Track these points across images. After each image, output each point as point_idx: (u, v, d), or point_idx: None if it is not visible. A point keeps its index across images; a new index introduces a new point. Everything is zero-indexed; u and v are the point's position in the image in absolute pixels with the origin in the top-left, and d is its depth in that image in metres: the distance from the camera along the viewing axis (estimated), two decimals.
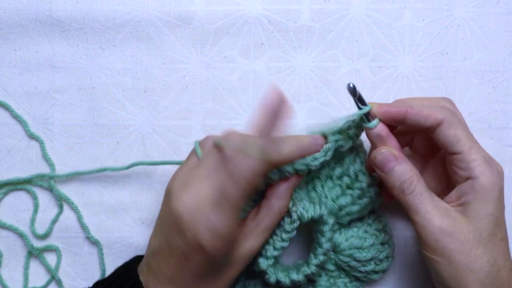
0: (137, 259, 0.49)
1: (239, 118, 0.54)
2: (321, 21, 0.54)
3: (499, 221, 0.43)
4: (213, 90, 0.54)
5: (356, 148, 0.50)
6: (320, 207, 0.47)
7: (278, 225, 0.47)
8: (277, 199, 0.46)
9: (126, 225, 0.55)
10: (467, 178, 0.43)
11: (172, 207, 0.43)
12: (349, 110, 0.54)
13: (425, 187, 0.44)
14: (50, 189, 0.54)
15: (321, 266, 0.50)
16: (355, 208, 0.49)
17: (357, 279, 0.52)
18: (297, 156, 0.46)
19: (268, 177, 0.46)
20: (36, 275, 0.55)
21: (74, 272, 0.55)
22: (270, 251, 0.47)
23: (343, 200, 0.49)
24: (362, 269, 0.50)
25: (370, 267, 0.50)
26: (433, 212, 0.43)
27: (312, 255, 0.48)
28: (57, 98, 0.54)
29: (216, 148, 0.44)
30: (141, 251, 0.54)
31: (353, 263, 0.50)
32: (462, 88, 0.55)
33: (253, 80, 0.54)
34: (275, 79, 0.54)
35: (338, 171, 0.50)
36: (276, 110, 0.41)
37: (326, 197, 0.49)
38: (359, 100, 0.45)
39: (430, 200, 0.44)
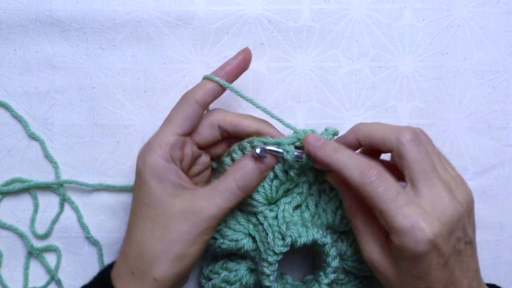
0: (111, 266, 0.48)
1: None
2: (321, 21, 0.54)
3: (422, 276, 0.41)
4: None
5: None
6: (313, 230, 0.47)
7: (266, 246, 0.47)
8: (235, 168, 0.47)
9: (126, 225, 0.54)
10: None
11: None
12: (349, 110, 0.54)
13: (364, 219, 0.45)
14: (52, 189, 0.54)
15: (333, 283, 0.49)
16: None
17: (365, 277, 0.52)
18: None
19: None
20: (36, 275, 0.55)
21: (74, 272, 0.55)
22: (266, 270, 0.47)
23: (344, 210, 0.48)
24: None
25: None
26: (366, 245, 0.45)
27: (322, 274, 0.48)
28: (57, 98, 0.54)
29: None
30: None
31: (362, 266, 0.50)
32: (462, 88, 0.55)
33: (253, 80, 0.54)
34: (275, 79, 0.54)
35: (328, 182, 0.49)
36: None
37: (324, 210, 0.49)
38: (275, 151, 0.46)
39: (365, 234, 0.45)
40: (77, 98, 0.54)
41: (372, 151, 0.48)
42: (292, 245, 0.46)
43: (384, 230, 0.45)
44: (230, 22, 0.54)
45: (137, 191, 0.46)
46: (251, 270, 0.50)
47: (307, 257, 0.54)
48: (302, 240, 0.46)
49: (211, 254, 0.52)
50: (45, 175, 0.54)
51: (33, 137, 0.54)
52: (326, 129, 0.47)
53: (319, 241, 0.47)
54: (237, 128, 0.48)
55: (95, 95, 0.54)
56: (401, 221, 0.40)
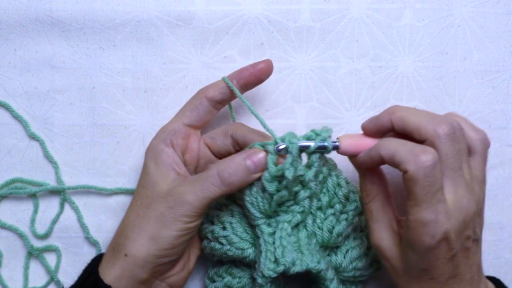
0: (97, 260, 0.49)
1: (238, 118, 0.54)
2: (321, 21, 0.54)
3: (428, 269, 0.42)
4: None
5: (333, 170, 0.48)
6: (308, 258, 0.45)
7: (258, 265, 0.46)
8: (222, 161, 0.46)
9: None
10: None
11: None
12: (349, 110, 0.54)
13: (381, 204, 0.45)
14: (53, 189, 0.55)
15: None
16: (349, 229, 0.49)
17: (360, 281, 0.52)
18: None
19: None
20: (36, 275, 0.55)
21: (74, 272, 0.55)
22: None
23: (339, 228, 0.48)
24: (366, 273, 0.50)
25: (374, 267, 0.50)
26: (376, 231, 0.45)
27: None
28: (57, 98, 0.54)
29: None
30: None
31: (358, 273, 0.49)
32: (462, 88, 0.55)
33: None
34: (275, 79, 0.54)
35: (325, 200, 0.48)
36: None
37: (319, 228, 0.48)
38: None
39: (378, 219, 0.45)
40: (77, 98, 0.54)
41: (402, 137, 0.46)
42: (284, 271, 0.45)
43: (397, 220, 0.45)
44: (230, 22, 0.54)
45: (140, 174, 0.49)
46: (255, 280, 0.49)
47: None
48: (296, 268, 0.45)
49: (218, 260, 0.51)
50: (45, 175, 0.54)
51: (33, 137, 0.54)
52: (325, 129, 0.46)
53: (313, 270, 0.45)
54: (244, 141, 0.48)
55: (95, 95, 0.54)
56: (424, 214, 0.40)
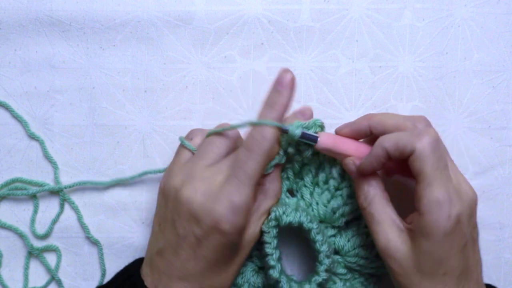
0: (139, 262, 0.49)
1: (239, 118, 0.54)
2: (321, 21, 0.54)
3: (442, 259, 0.42)
4: (213, 90, 0.54)
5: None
6: (302, 215, 0.47)
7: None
8: (270, 183, 0.48)
9: (126, 225, 0.55)
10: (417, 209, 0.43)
11: (181, 199, 0.44)
12: (349, 110, 0.54)
13: (381, 205, 0.45)
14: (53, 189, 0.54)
15: (332, 271, 0.49)
16: (347, 208, 0.49)
17: (372, 275, 0.51)
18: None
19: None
20: (36, 275, 0.55)
21: (74, 272, 0.55)
22: (270, 261, 0.47)
23: (335, 203, 0.49)
24: (372, 265, 0.50)
25: (381, 261, 0.50)
26: (381, 233, 0.44)
27: (317, 264, 0.48)
28: (57, 98, 0.54)
29: (212, 136, 0.47)
30: (141, 251, 0.54)
31: (362, 261, 0.50)
32: (462, 88, 0.55)
33: (253, 80, 0.54)
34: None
35: (322, 176, 0.50)
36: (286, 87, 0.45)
37: (317, 203, 0.50)
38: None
39: (381, 221, 0.44)
40: (77, 98, 0.54)
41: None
42: (278, 223, 0.47)
43: (399, 218, 0.45)
44: (230, 22, 0.54)
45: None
46: (257, 271, 0.50)
47: (311, 260, 0.54)
48: (288, 219, 0.47)
49: None
50: (45, 175, 0.54)
51: (33, 137, 0.54)
52: (314, 121, 0.48)
53: (304, 225, 0.47)
54: None
55: (95, 95, 0.54)
56: (437, 193, 0.41)
